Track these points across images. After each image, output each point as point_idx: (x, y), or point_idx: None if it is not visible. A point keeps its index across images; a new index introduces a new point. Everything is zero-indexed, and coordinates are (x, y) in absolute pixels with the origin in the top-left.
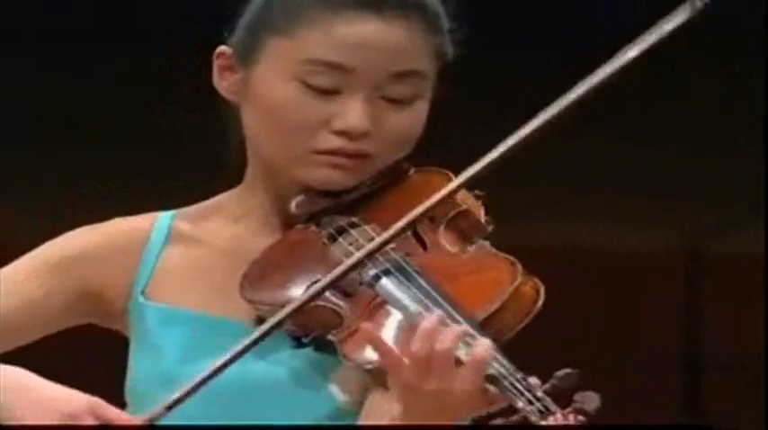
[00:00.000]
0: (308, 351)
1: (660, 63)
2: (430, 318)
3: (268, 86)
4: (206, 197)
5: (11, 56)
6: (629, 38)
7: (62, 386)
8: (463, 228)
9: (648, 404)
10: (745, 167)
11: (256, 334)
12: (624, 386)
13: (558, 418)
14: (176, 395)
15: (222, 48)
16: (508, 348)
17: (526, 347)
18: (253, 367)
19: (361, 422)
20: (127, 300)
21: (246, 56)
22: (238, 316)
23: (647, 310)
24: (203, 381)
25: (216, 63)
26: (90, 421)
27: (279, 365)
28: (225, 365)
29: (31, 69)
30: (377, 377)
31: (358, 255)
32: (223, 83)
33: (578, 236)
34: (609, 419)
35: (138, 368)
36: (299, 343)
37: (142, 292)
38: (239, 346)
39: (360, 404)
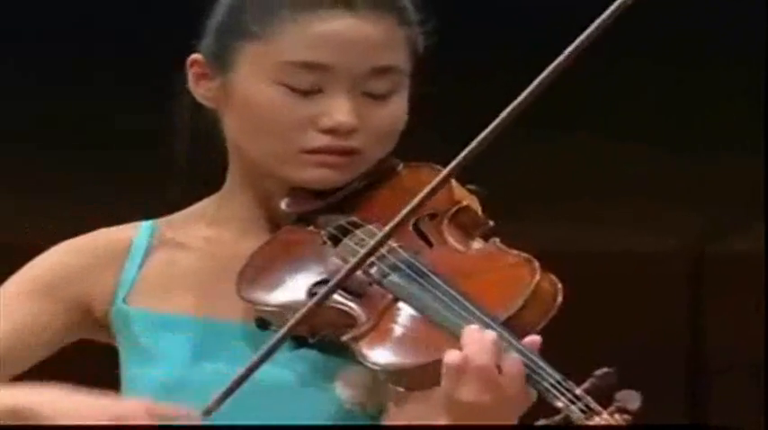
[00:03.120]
0: (312, 352)
1: (660, 64)
2: (470, 331)
3: (250, 92)
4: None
5: None
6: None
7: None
8: (465, 224)
9: (650, 404)
10: (746, 167)
11: (280, 334)
12: (626, 386)
13: (603, 418)
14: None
15: (195, 56)
16: None
17: None
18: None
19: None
20: (110, 308)
21: (221, 63)
22: (233, 317)
23: (650, 311)
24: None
25: (190, 71)
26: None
27: (283, 367)
28: (255, 367)
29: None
30: (394, 377)
31: (365, 250)
32: (200, 90)
33: (581, 237)
34: None
35: (135, 377)
36: (302, 343)
37: (124, 299)
38: (264, 349)
39: (365, 405)
